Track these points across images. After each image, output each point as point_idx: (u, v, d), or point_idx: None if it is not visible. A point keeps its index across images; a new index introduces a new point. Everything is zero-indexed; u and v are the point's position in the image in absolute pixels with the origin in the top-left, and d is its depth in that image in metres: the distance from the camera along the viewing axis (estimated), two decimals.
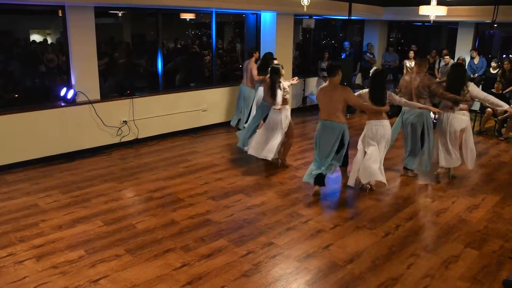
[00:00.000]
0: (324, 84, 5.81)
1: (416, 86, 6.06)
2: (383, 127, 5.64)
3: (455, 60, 10.86)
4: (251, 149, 6.62)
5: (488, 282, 3.87)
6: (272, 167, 6.77)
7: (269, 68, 6.68)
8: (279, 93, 6.32)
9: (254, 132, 6.86)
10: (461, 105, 6.04)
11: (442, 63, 10.88)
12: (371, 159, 5.56)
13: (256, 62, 8.29)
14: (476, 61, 10.86)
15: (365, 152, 5.69)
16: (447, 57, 10.80)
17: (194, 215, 5.07)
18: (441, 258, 4.24)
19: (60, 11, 6.93)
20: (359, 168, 5.64)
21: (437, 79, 8.12)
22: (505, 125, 8.91)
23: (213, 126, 9.11)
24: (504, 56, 13.14)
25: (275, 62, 7.06)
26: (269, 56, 7.91)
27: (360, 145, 5.77)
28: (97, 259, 4.10)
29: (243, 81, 8.55)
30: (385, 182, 5.71)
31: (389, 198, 5.74)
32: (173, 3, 7.36)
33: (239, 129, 8.57)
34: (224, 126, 9.26)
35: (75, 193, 5.66)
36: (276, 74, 6.43)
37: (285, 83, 6.51)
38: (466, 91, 5.94)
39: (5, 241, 4.39)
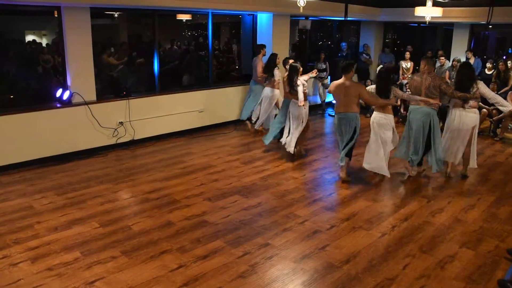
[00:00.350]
0: (340, 80, 6.18)
1: (427, 86, 6.15)
2: (388, 120, 6.17)
3: (451, 61, 10.89)
4: (286, 145, 7.15)
5: (484, 282, 3.89)
6: (269, 168, 6.77)
7: (288, 66, 7.14)
8: (300, 90, 6.71)
9: (280, 130, 7.38)
10: (471, 102, 6.17)
11: (438, 64, 10.91)
12: (377, 152, 6.17)
13: (269, 60, 8.64)
14: (471, 62, 10.88)
15: (377, 141, 6.21)
16: (443, 58, 10.84)
17: (190, 216, 5.07)
18: (437, 258, 4.25)
19: (55, 12, 6.91)
20: (369, 157, 6.26)
21: None
22: (500, 125, 8.96)
23: (209, 127, 9.11)
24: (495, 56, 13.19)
25: (291, 61, 7.41)
26: (274, 57, 8.36)
27: (372, 135, 6.26)
28: (92, 261, 4.08)
29: (253, 77, 9.02)
30: (388, 175, 6.22)
31: (385, 199, 5.76)
32: (169, 4, 7.35)
33: (244, 120, 9.04)
34: (220, 127, 9.26)
35: (70, 194, 5.64)
36: (294, 72, 6.85)
37: (303, 78, 6.91)
38: (475, 89, 6.08)
39: None
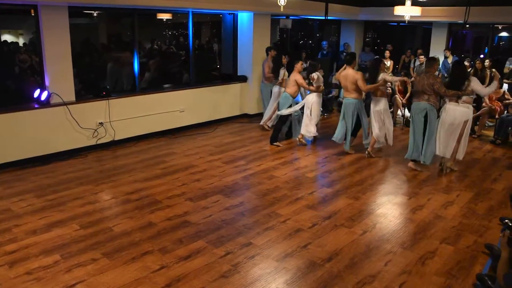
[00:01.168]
0: (345, 69, 7.32)
1: (423, 83, 6.50)
2: (382, 103, 7.20)
3: None
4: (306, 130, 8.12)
5: (463, 276, 3.96)
6: (250, 168, 6.77)
7: (308, 62, 8.36)
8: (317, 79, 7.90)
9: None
10: (464, 98, 6.43)
11: (417, 63, 11.06)
12: (379, 128, 7.27)
13: (272, 60, 9.23)
14: (450, 60, 11.07)
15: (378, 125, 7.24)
16: (422, 56, 10.97)
17: (172, 217, 5.03)
18: (418, 255, 4.31)
19: (32, 11, 6.77)
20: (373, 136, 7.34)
21: (413, 78, 8.28)
22: (477, 123, 9.12)
23: (191, 127, 9.06)
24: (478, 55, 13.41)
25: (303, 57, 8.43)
26: (280, 57, 9.09)
27: (373, 120, 7.28)
28: (73, 263, 4.02)
29: (262, 78, 9.71)
30: (390, 144, 7.41)
31: (366, 197, 5.81)
32: (149, 3, 7.28)
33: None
34: (201, 126, 9.23)
35: (50, 196, 5.54)
36: (313, 68, 7.95)
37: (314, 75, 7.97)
38: (467, 85, 6.36)
39: None
